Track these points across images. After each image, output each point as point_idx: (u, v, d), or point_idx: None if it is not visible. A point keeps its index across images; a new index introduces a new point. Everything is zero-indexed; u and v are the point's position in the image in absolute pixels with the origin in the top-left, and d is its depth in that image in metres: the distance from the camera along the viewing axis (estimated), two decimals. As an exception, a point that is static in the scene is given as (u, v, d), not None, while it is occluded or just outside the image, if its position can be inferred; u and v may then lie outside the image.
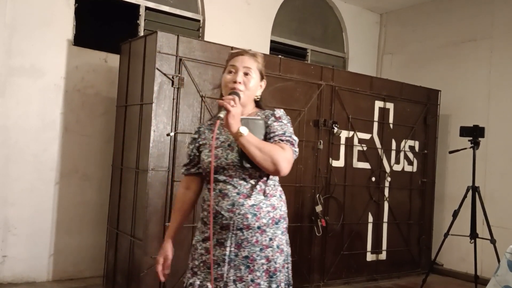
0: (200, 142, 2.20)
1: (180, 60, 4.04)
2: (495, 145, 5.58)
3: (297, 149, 2.06)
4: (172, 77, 4.00)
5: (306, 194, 4.84)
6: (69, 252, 4.69)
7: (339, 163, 5.14)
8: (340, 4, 6.75)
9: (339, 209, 5.14)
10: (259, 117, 2.10)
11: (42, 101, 4.59)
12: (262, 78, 2.19)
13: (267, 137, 2.04)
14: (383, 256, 5.52)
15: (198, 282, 2.05)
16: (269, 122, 2.07)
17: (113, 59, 4.85)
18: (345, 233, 5.19)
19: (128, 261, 4.10)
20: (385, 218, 5.54)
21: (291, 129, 2.09)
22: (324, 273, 5.01)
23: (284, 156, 1.96)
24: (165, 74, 3.97)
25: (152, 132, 3.91)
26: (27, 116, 4.50)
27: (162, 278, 2.21)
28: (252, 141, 1.92)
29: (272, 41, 6.08)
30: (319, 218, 4.87)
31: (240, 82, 2.08)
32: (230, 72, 2.13)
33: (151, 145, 3.91)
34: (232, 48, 4.33)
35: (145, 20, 5.11)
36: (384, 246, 5.53)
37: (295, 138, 2.07)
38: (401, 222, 5.67)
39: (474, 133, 4.72)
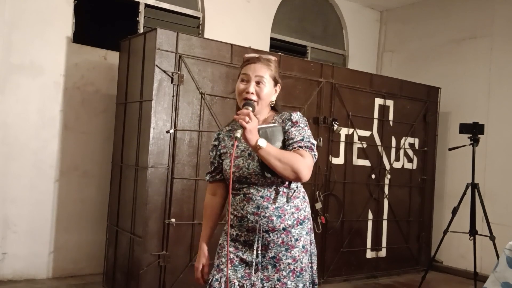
0: (221, 150, 2.23)
1: (180, 57, 4.04)
2: (494, 142, 5.58)
3: (316, 153, 2.08)
4: (172, 74, 4.00)
5: (306, 192, 4.82)
6: (69, 249, 4.70)
7: (339, 160, 5.14)
8: (340, 2, 6.74)
9: (339, 207, 5.14)
10: (275, 123, 2.11)
11: (42, 99, 4.59)
12: (276, 84, 2.19)
13: (286, 143, 2.06)
14: (383, 253, 5.53)
15: (224, 279, 2.11)
16: (286, 128, 2.09)
17: (113, 56, 4.85)
18: (344, 230, 5.20)
19: (128, 258, 4.10)
20: (385, 216, 5.55)
21: (309, 133, 2.10)
22: (324, 270, 5.01)
23: (305, 164, 1.98)
24: (164, 71, 3.97)
25: (151, 129, 3.91)
26: (26, 113, 4.50)
27: (202, 283, 2.28)
28: (272, 152, 1.94)
29: (272, 39, 6.08)
30: (319, 215, 4.87)
31: (252, 93, 2.09)
32: (242, 80, 2.13)
33: (150, 142, 3.91)
34: (232, 45, 4.34)
35: (144, 17, 5.11)
36: (384, 243, 5.54)
37: (313, 141, 2.09)
38: (400, 219, 5.68)
39: (474, 130, 4.72)
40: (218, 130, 2.32)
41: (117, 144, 4.51)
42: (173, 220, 4.00)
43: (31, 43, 4.50)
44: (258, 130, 1.98)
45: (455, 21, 6.21)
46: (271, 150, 1.95)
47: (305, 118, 2.16)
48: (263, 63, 2.14)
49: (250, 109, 2.01)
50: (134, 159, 4.14)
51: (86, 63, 4.81)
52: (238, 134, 1.93)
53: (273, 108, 2.23)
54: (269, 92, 2.14)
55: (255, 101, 2.08)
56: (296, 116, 2.13)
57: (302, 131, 2.08)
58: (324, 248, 5.01)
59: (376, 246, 5.47)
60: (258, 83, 2.11)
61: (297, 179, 2.00)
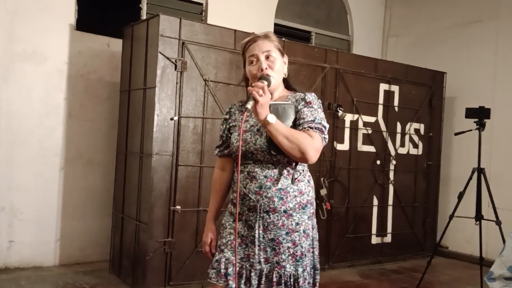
0: (231, 124, 2.22)
1: (183, 43, 4.01)
2: (500, 126, 5.54)
3: (326, 136, 2.05)
4: (175, 61, 3.98)
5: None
6: (75, 236, 4.73)
7: (344, 146, 5.12)
8: (344, -14, 6.68)
9: (343, 193, 5.13)
10: (289, 101, 2.09)
11: (45, 87, 4.58)
12: (283, 55, 2.17)
13: (296, 123, 2.04)
14: (388, 239, 5.53)
15: (224, 260, 2.09)
16: (299, 107, 2.06)
17: (116, 44, 4.82)
18: (350, 216, 5.20)
19: (133, 245, 4.12)
20: (390, 201, 5.54)
21: (321, 115, 2.06)
22: (329, 256, 5.03)
23: (312, 145, 1.95)
24: (168, 58, 3.95)
25: (155, 117, 3.91)
26: (30, 101, 4.50)
27: (211, 257, 2.26)
28: (280, 129, 1.92)
29: (276, 24, 6.03)
30: (324, 201, 4.87)
31: (266, 68, 2.07)
32: (251, 62, 2.11)
33: (155, 129, 3.90)
34: (235, 31, 4.31)
35: (147, 4, 5.07)
36: (389, 229, 5.54)
37: (325, 124, 2.05)
38: (406, 205, 5.67)
39: (480, 114, 4.67)
40: (230, 105, 2.30)
41: (121, 132, 4.51)
42: (178, 207, 4.01)
43: (33, 31, 4.48)
44: (270, 106, 1.96)
45: (461, 4, 6.14)
46: (279, 127, 1.92)
47: (320, 101, 2.13)
48: (264, 38, 2.12)
49: (266, 83, 1.99)
50: (138, 146, 4.14)
51: (89, 51, 4.79)
52: (249, 105, 1.91)
53: (288, 85, 2.20)
54: (281, 64, 2.13)
55: (271, 76, 2.06)
56: (311, 96, 2.10)
57: (315, 112, 2.05)
58: (329, 234, 5.01)
59: (382, 231, 5.47)
60: (267, 57, 2.09)
61: (304, 159, 1.96)
